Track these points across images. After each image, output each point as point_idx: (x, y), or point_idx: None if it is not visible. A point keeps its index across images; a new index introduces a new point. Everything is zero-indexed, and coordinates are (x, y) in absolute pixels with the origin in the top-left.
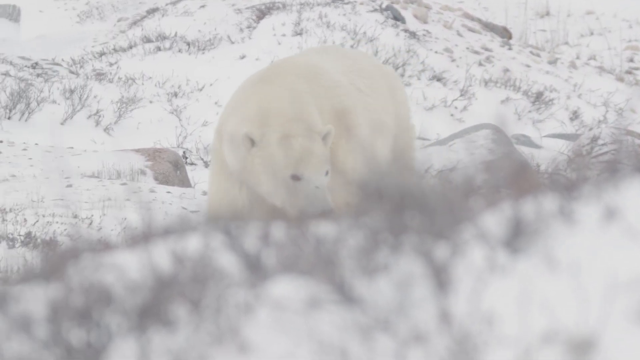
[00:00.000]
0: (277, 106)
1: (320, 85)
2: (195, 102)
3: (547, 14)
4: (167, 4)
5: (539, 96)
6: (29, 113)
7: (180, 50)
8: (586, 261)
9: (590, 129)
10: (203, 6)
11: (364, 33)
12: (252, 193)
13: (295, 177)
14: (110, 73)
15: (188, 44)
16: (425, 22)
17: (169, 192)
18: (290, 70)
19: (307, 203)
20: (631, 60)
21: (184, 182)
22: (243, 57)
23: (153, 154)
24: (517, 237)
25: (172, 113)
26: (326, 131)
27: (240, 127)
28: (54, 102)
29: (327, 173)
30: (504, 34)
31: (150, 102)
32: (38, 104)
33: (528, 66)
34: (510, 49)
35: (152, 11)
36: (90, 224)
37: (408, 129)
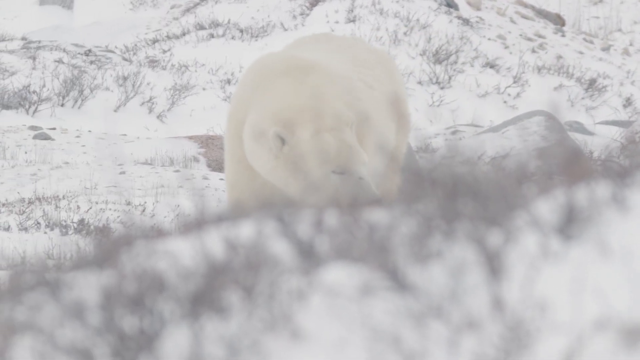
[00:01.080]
0: (302, 102)
1: (339, 86)
2: None
3: (601, 0)
4: None
5: (592, 83)
6: (82, 100)
7: (233, 37)
8: (639, 247)
9: None
10: None
11: (417, 20)
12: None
13: (338, 172)
14: (164, 60)
15: (241, 31)
16: (478, 8)
17: (222, 179)
18: (308, 67)
19: (354, 196)
20: None
21: None
22: None
23: (206, 141)
24: (570, 224)
25: (225, 100)
26: (352, 121)
27: (265, 124)
28: (107, 89)
29: (365, 163)
30: (557, 21)
31: (203, 89)
32: (91, 91)
33: (581, 53)
34: (563, 35)
35: None
36: (143, 210)
37: (407, 115)
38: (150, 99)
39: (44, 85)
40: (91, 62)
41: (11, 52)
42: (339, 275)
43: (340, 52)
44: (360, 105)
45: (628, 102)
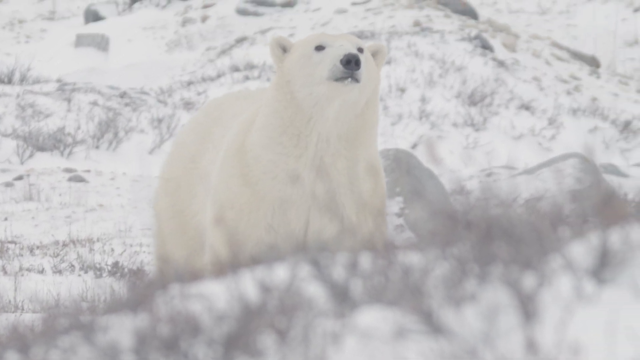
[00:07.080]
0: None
1: None
2: None
3: (636, 42)
4: (255, 33)
5: (627, 125)
6: (117, 142)
7: (268, 79)
8: None
9: None
10: (291, 35)
11: (453, 62)
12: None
13: (319, 47)
14: (199, 102)
15: None
16: (514, 50)
17: None
18: None
19: (328, 62)
20: None
21: None
22: None
23: None
24: (604, 267)
25: None
26: (376, 48)
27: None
28: (142, 131)
29: (361, 50)
30: (593, 62)
31: None
32: (126, 133)
33: (616, 95)
34: (598, 77)
35: (241, 40)
36: None
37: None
38: None
39: (78, 127)
40: (126, 104)
41: (46, 94)
42: (373, 318)
43: None
44: None
45: None
